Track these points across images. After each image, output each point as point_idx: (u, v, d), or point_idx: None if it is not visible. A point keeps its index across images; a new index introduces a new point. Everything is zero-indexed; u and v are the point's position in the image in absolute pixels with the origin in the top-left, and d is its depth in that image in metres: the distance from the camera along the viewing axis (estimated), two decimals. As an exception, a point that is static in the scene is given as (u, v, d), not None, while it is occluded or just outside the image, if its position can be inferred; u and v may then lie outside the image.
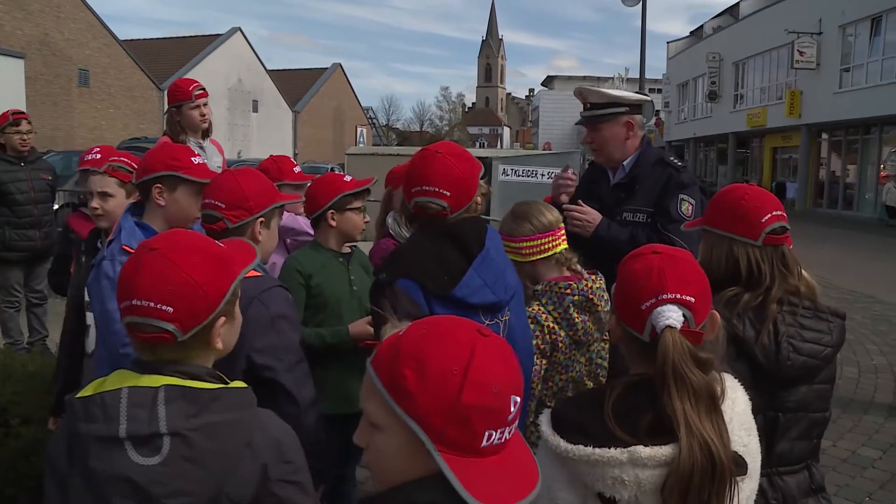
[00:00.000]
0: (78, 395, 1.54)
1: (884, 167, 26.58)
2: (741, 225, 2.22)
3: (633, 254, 1.71)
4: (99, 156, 4.29)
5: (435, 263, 2.23)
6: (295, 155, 47.38)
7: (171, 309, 1.52)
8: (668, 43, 49.08)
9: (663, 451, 1.46)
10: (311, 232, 3.51)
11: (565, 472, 1.54)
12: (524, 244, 2.83)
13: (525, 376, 2.44)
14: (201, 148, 4.76)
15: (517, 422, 1.22)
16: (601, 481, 1.48)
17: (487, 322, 2.31)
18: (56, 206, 7.40)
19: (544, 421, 1.60)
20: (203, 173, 2.82)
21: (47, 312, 6.80)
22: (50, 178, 6.68)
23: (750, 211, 2.22)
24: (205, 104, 4.76)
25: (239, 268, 1.65)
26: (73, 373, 3.19)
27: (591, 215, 3.49)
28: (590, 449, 1.48)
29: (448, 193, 2.30)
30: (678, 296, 1.57)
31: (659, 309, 1.56)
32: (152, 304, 1.51)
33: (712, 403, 1.50)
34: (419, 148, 2.47)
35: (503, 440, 1.19)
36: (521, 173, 13.16)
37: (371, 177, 3.47)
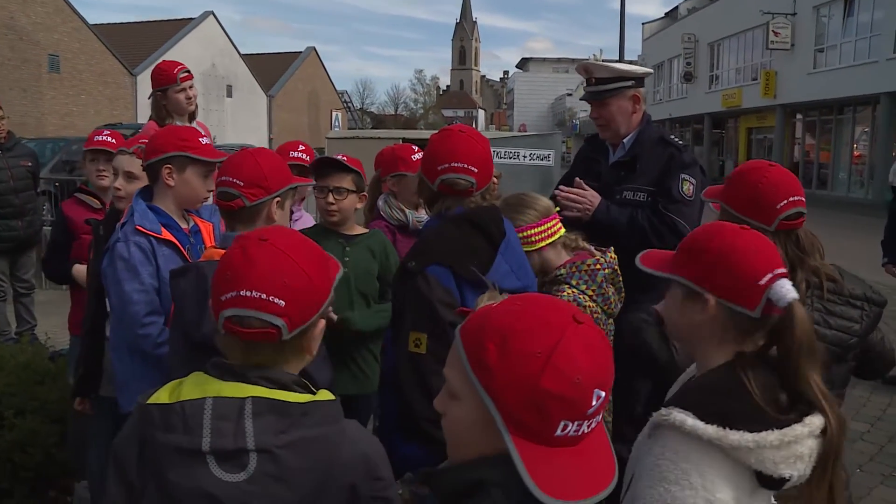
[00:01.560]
0: (152, 402, 1.43)
1: (856, 147, 26.96)
2: (755, 210, 2.21)
3: (724, 229, 1.66)
4: (111, 138, 4.23)
5: (464, 250, 2.22)
6: (270, 140, 47.02)
7: (283, 302, 1.41)
8: (643, 24, 49.25)
9: (818, 420, 1.48)
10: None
11: (728, 467, 1.47)
12: (532, 231, 2.79)
13: None
14: None
15: (599, 416, 1.16)
16: (784, 462, 1.45)
17: None
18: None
19: (695, 422, 1.47)
20: (211, 153, 2.82)
21: (34, 302, 6.70)
22: (30, 164, 6.51)
23: (766, 196, 2.20)
24: (190, 86, 4.67)
25: (335, 271, 1.57)
26: (94, 357, 3.18)
27: (590, 196, 3.45)
28: (779, 433, 1.45)
29: (475, 170, 2.31)
30: (783, 270, 1.60)
31: (780, 282, 1.55)
32: (263, 296, 1.41)
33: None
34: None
35: (580, 433, 1.13)
36: (502, 155, 13.09)
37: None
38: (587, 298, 2.75)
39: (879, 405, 6.03)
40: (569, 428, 1.11)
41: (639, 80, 3.57)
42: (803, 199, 2.25)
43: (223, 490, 1.37)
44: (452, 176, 2.31)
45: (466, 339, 1.17)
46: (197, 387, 1.44)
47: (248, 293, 1.41)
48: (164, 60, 4.80)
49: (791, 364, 1.51)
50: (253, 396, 1.41)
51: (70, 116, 32.31)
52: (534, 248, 2.79)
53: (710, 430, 1.45)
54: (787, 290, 1.54)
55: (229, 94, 45.42)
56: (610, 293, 2.82)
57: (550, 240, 2.82)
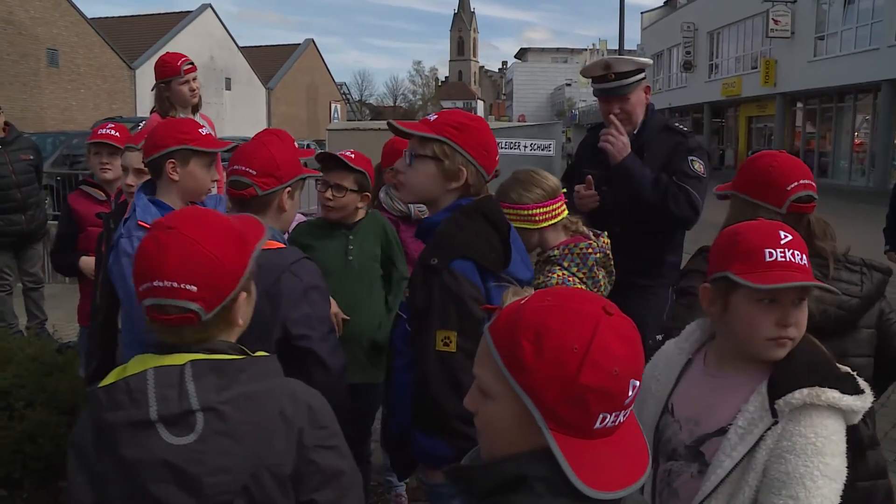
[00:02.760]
0: (100, 385, 1.48)
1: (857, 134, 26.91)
2: (767, 191, 2.25)
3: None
4: (115, 131, 4.23)
5: (483, 243, 2.18)
6: (269, 133, 46.85)
7: (194, 288, 1.47)
8: (642, 13, 49.11)
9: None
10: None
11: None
12: (537, 211, 2.80)
13: None
14: None
15: (633, 405, 1.17)
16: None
17: None
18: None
19: (841, 395, 1.65)
20: (213, 143, 2.81)
21: (44, 296, 6.69)
22: (32, 157, 6.44)
23: (777, 178, 2.24)
24: (194, 79, 4.66)
25: (253, 243, 1.61)
26: (108, 349, 3.18)
27: (623, 140, 3.47)
28: (869, 395, 1.68)
29: (497, 158, 2.32)
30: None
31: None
32: (175, 285, 1.47)
33: None
34: (400, 122, 2.40)
35: (616, 423, 1.13)
36: (503, 145, 13.09)
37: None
38: (577, 280, 2.78)
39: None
40: (607, 420, 1.11)
41: (644, 70, 3.62)
42: (813, 184, 2.28)
43: (176, 454, 1.42)
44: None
45: (498, 337, 1.15)
46: (139, 363, 1.50)
47: (161, 283, 1.47)
48: (167, 52, 4.77)
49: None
50: (192, 360, 1.48)
51: (69, 111, 32.23)
52: (536, 227, 2.81)
53: (856, 400, 1.65)
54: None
55: (228, 87, 45.28)
56: (600, 276, 2.85)
57: (553, 221, 2.83)
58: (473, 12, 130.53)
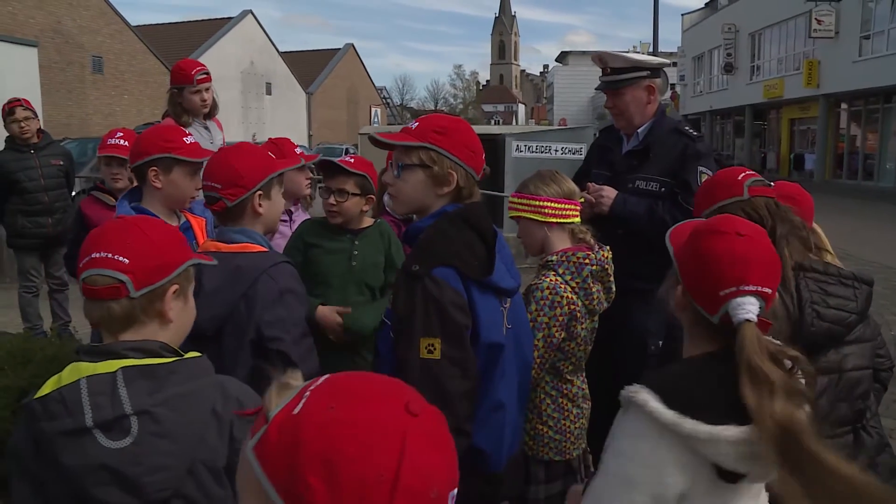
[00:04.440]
0: (35, 397, 1.53)
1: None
2: (722, 190, 2.34)
3: (715, 229, 1.63)
4: (124, 141, 4.31)
5: (466, 250, 2.16)
6: (309, 136, 47.42)
7: (126, 260, 1.58)
8: (682, 15, 48.59)
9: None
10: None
11: (685, 455, 1.48)
12: (547, 204, 2.82)
13: (526, 363, 2.44)
14: (206, 128, 4.75)
15: None
16: (743, 459, 1.44)
17: (502, 307, 2.28)
18: (74, 192, 7.31)
19: (656, 404, 1.48)
20: (196, 152, 2.84)
21: (69, 299, 6.83)
22: (62, 163, 6.60)
23: (723, 177, 2.38)
24: (206, 89, 4.70)
25: (193, 255, 1.75)
26: None
27: (606, 191, 3.46)
28: (737, 429, 1.43)
29: (484, 158, 2.32)
30: (759, 288, 1.54)
31: (739, 300, 1.52)
32: (109, 255, 1.58)
33: (789, 394, 1.44)
34: None
35: None
36: (534, 149, 13.10)
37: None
38: (568, 289, 2.76)
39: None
40: None
41: (654, 70, 3.58)
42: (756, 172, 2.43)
43: (113, 457, 1.48)
44: (484, 166, 2.33)
45: (271, 468, 0.83)
46: (72, 373, 1.55)
47: (97, 254, 1.59)
48: (185, 59, 4.85)
49: (735, 374, 1.46)
50: (122, 367, 1.54)
51: (113, 116, 32.92)
52: (543, 220, 2.82)
53: (669, 414, 1.46)
54: (743, 309, 1.51)
55: (268, 92, 45.89)
56: (594, 290, 2.82)
57: (560, 220, 2.84)
58: (514, 16, 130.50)
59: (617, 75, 3.56)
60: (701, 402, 1.47)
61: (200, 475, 1.57)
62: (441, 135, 2.22)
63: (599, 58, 3.65)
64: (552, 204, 2.82)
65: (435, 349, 2.05)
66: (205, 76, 4.64)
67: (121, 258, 1.58)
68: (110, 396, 1.50)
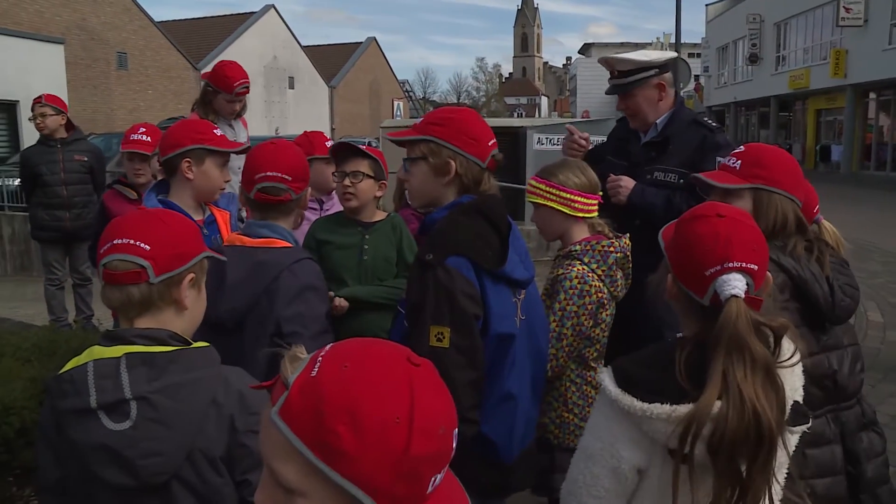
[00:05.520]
0: (57, 374, 1.64)
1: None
2: (800, 188, 2.33)
3: (696, 214, 1.68)
4: (147, 137, 4.35)
5: (479, 240, 2.20)
6: (332, 130, 47.54)
7: (147, 246, 1.65)
8: (706, 5, 48.03)
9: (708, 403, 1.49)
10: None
11: (634, 431, 1.56)
12: (578, 199, 2.84)
13: (541, 355, 2.45)
14: (230, 126, 4.79)
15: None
16: (676, 437, 1.48)
17: (515, 299, 2.29)
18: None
19: (608, 381, 1.60)
20: (226, 144, 2.89)
21: (92, 293, 6.93)
22: (86, 159, 6.66)
23: (800, 172, 2.36)
24: (241, 102, 4.75)
25: (207, 248, 1.83)
26: None
27: (624, 181, 3.45)
28: (668, 407, 1.49)
29: (491, 143, 2.34)
30: (743, 264, 1.57)
31: (724, 277, 1.56)
32: (131, 242, 1.65)
33: (767, 374, 1.48)
34: None
35: (442, 479, 1.03)
36: (556, 142, 13.02)
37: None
38: (595, 278, 2.79)
39: None
40: (436, 480, 1.01)
41: (663, 66, 3.56)
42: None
43: (114, 439, 1.56)
44: (496, 152, 2.34)
45: (298, 425, 0.95)
46: (87, 355, 1.64)
47: (119, 241, 1.66)
48: (233, 64, 4.75)
49: (710, 351, 1.51)
50: (127, 353, 1.61)
51: (137, 111, 33.17)
52: (570, 213, 2.84)
53: (614, 391, 1.57)
54: (729, 285, 1.55)
55: (291, 86, 46.01)
56: (618, 277, 2.86)
57: (585, 214, 2.87)
58: (537, 8, 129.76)
59: (624, 78, 3.56)
60: (641, 380, 1.56)
61: (198, 463, 1.63)
62: (440, 126, 2.29)
63: (606, 62, 3.65)
64: (582, 199, 2.84)
65: (444, 337, 2.09)
66: (244, 90, 4.68)
67: (142, 244, 1.64)
68: (113, 380, 1.58)
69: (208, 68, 5.71)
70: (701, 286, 1.59)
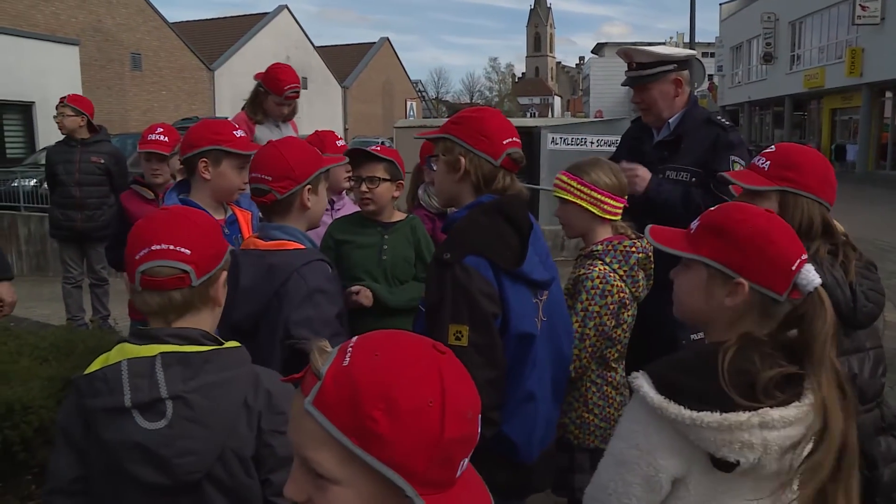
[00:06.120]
0: (84, 373, 1.63)
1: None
2: (830, 190, 2.31)
3: (752, 213, 1.66)
4: (164, 137, 4.37)
5: (498, 240, 2.19)
6: (345, 130, 47.66)
7: (188, 251, 1.65)
8: (720, 4, 47.81)
9: (790, 412, 1.46)
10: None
11: (676, 439, 1.52)
12: (608, 200, 2.83)
13: (562, 357, 2.44)
14: (277, 126, 4.78)
15: None
16: (727, 446, 1.46)
17: (535, 300, 2.29)
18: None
19: (647, 388, 1.54)
20: (245, 146, 2.89)
21: (108, 294, 6.99)
22: (103, 161, 6.66)
23: (831, 173, 2.32)
24: (290, 105, 4.73)
25: (225, 243, 1.83)
26: None
27: (640, 171, 3.41)
28: (718, 415, 1.45)
29: (506, 142, 2.31)
30: (804, 256, 1.60)
31: (806, 267, 1.58)
32: (171, 247, 1.64)
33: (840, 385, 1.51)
34: None
35: (469, 460, 1.06)
36: (570, 141, 13.03)
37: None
38: (617, 278, 2.78)
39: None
40: (464, 463, 1.04)
41: (682, 63, 3.53)
42: None
43: (149, 438, 1.56)
44: (514, 150, 2.30)
45: (335, 413, 0.97)
46: (118, 353, 1.63)
47: (158, 246, 1.64)
48: (286, 67, 4.74)
49: (816, 348, 1.49)
50: (162, 352, 1.61)
51: (151, 112, 33.35)
52: (599, 214, 2.83)
53: (657, 398, 1.51)
54: (814, 275, 1.55)
55: (304, 86, 45.80)
56: (640, 277, 2.85)
57: (610, 216, 2.86)
58: (550, 7, 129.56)
59: (642, 70, 3.52)
60: (687, 388, 1.51)
61: (229, 462, 1.64)
62: (456, 124, 2.32)
63: (625, 53, 3.61)
64: (612, 202, 2.83)
65: (462, 336, 2.08)
66: (294, 93, 4.66)
67: (182, 249, 1.64)
68: (148, 379, 1.57)
69: (222, 69, 5.70)
70: (784, 282, 1.58)
